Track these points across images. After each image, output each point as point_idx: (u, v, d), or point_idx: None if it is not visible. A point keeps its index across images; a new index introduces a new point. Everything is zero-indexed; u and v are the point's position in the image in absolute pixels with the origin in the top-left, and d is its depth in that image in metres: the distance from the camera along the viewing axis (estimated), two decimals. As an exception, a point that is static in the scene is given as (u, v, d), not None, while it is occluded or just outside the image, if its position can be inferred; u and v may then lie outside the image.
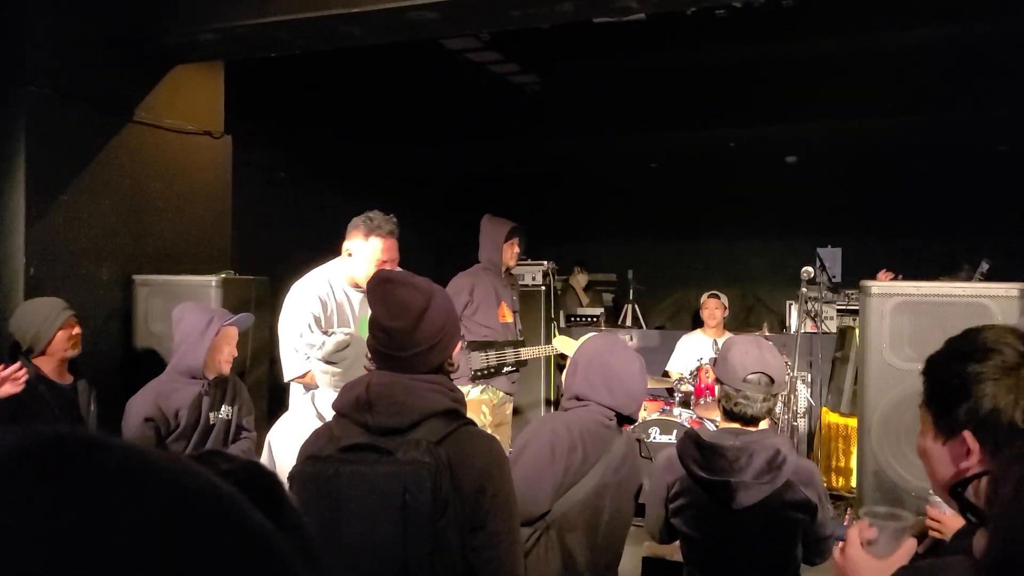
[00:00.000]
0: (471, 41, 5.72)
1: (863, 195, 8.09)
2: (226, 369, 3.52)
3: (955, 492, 1.14)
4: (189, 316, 3.47)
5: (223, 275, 4.76)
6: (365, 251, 3.70)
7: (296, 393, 3.67)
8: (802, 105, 7.18)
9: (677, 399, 5.91)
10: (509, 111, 7.82)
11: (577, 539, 2.56)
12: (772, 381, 2.65)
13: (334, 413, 1.96)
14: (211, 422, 3.50)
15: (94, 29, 4.63)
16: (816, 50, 6.54)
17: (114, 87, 4.80)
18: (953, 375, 1.29)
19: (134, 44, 4.75)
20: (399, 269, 2.94)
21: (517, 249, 5.48)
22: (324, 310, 3.61)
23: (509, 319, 5.40)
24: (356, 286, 3.70)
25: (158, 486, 0.41)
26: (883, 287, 3.18)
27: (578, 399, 2.64)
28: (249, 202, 6.13)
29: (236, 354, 3.56)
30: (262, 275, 5.10)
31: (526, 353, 5.34)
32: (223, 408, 3.58)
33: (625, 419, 2.69)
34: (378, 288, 1.98)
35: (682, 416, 5.56)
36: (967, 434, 1.26)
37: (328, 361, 2.81)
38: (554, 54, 6.73)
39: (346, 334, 2.93)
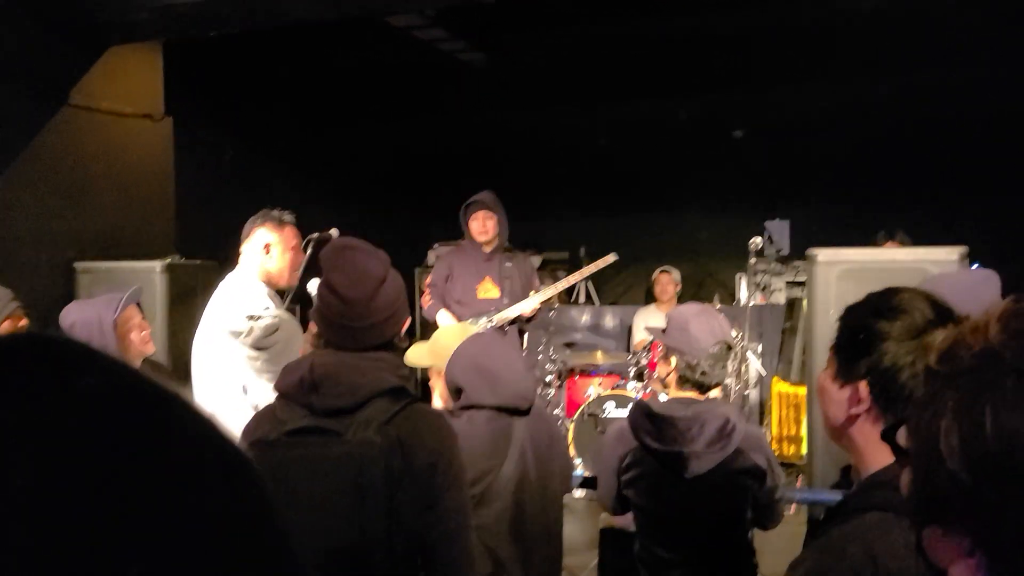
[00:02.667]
0: (416, 18, 5.66)
1: (810, 167, 8.19)
2: (150, 349, 3.35)
3: (886, 436, 1.21)
4: (79, 320, 3.18)
5: (168, 260, 4.66)
6: (285, 241, 3.57)
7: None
8: (749, 76, 7.24)
9: (631, 373, 5.98)
10: (456, 88, 7.76)
11: (502, 544, 2.57)
12: (730, 348, 2.72)
13: (276, 395, 1.92)
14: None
15: (24, 8, 4.47)
16: (761, 19, 6.58)
17: (47, 69, 4.65)
18: (863, 329, 1.38)
19: (67, 24, 4.60)
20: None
21: (487, 223, 5.33)
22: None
23: (494, 294, 5.29)
24: (275, 286, 3.51)
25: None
26: (829, 254, 3.23)
27: (465, 406, 2.62)
28: (194, 185, 6.00)
29: (148, 328, 3.34)
30: (209, 259, 5.01)
31: (499, 319, 5.22)
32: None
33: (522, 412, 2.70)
34: (339, 255, 1.93)
35: (636, 390, 5.63)
36: (862, 384, 1.36)
37: (258, 347, 2.76)
38: (500, 29, 6.69)
39: (273, 316, 2.88)
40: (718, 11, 6.44)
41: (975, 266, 3.61)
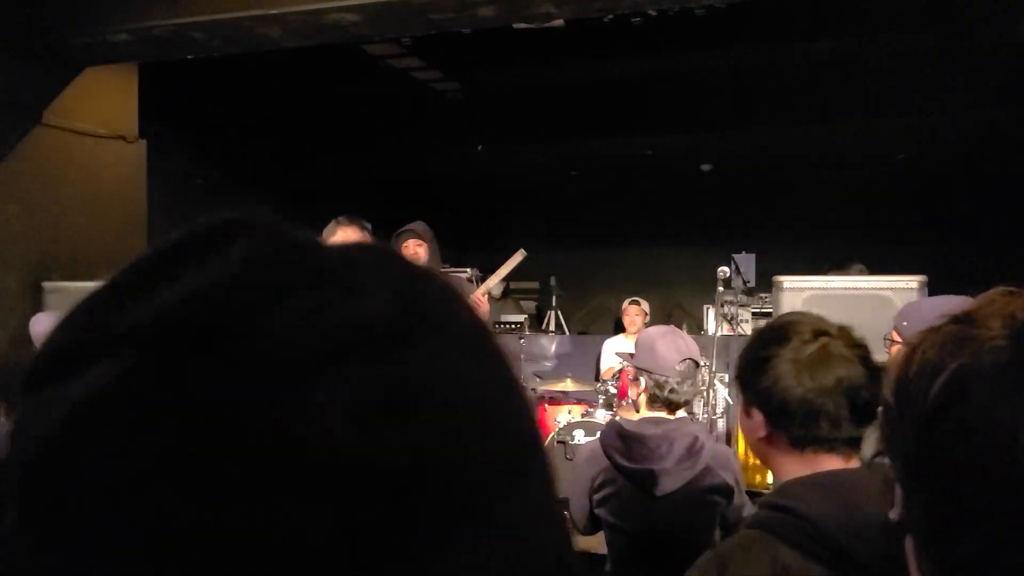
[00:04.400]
0: (392, 47, 5.73)
1: (775, 202, 8.37)
2: None
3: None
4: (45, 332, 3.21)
5: (138, 281, 4.64)
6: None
7: None
8: (716, 114, 7.40)
9: (601, 401, 6.01)
10: (431, 118, 7.84)
11: None
12: (697, 365, 2.77)
13: None
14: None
15: (-1, 28, 4.48)
16: (727, 60, 6.75)
17: (21, 89, 4.64)
18: (753, 359, 1.52)
19: (42, 45, 4.59)
20: None
21: (417, 250, 5.46)
22: None
23: None
24: None
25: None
26: (794, 281, 3.32)
27: None
28: (166, 208, 5.99)
29: None
30: (179, 282, 4.99)
31: None
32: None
33: None
34: None
35: (605, 418, 5.65)
36: (754, 410, 1.49)
37: None
38: (475, 61, 6.78)
39: None
40: (686, 51, 6.59)
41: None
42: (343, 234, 4.04)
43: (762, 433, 1.49)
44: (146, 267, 0.34)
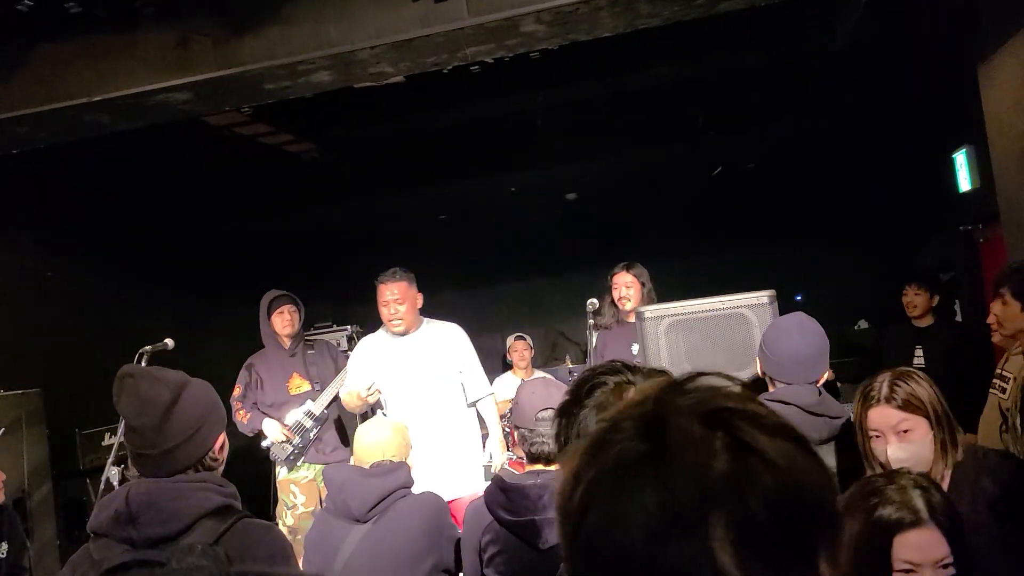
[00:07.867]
0: (236, 116, 5.60)
1: (644, 223, 8.59)
2: None
3: None
4: None
5: (-16, 394, 4.35)
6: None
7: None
8: (573, 146, 7.57)
9: (496, 443, 5.96)
10: (291, 180, 7.71)
11: None
12: None
13: (91, 535, 1.82)
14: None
15: None
16: (576, 94, 6.91)
17: None
18: None
19: None
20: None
21: (289, 316, 5.40)
22: None
23: (305, 388, 5.32)
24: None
25: None
26: (654, 310, 3.39)
27: None
28: (14, 309, 5.64)
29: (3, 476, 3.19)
30: (33, 388, 4.70)
31: (318, 408, 5.26)
32: (1, 545, 3.24)
33: None
34: (120, 384, 1.88)
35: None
36: None
37: None
38: (325, 120, 6.72)
39: None
40: (535, 90, 6.72)
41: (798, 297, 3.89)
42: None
43: None
44: None
